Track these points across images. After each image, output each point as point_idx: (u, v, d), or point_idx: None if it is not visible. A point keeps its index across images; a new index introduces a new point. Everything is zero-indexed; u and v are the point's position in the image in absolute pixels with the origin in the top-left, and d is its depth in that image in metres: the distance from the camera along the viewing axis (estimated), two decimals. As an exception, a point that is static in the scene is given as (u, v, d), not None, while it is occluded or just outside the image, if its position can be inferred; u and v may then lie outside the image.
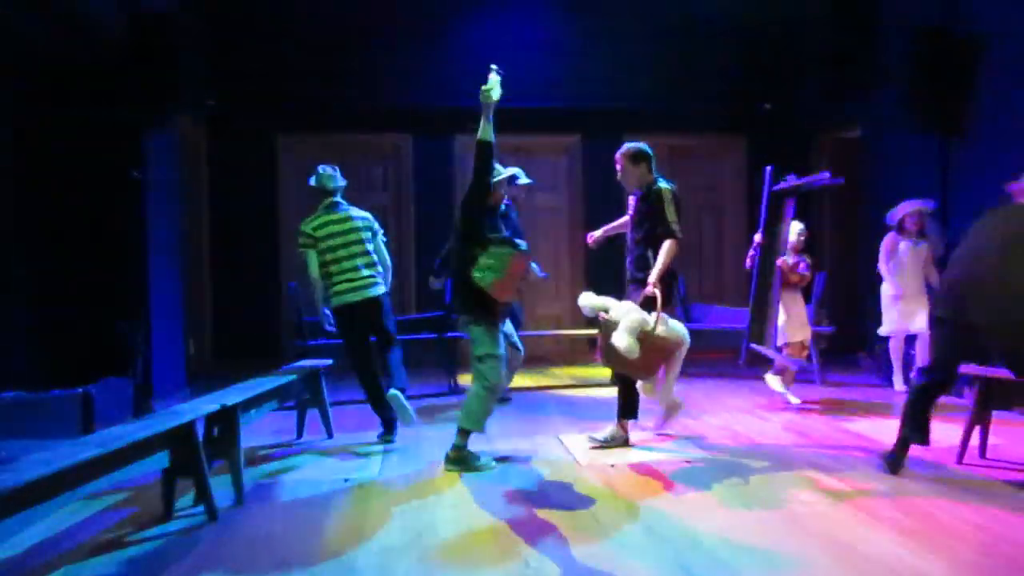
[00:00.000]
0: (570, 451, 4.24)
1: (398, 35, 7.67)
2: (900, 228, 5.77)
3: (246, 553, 2.82)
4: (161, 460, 3.07)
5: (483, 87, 3.79)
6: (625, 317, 3.86)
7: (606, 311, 4.01)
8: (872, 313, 7.27)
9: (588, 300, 4.12)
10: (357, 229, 4.57)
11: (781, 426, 4.80)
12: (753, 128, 8.28)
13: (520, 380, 6.80)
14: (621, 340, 3.77)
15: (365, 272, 4.53)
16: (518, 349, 5.28)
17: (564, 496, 3.44)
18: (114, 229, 5.55)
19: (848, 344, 7.13)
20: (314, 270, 4.51)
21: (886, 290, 5.88)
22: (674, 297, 4.19)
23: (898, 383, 5.97)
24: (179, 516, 3.22)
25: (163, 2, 5.81)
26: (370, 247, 4.60)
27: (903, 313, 5.75)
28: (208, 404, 3.38)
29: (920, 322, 5.60)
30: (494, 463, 3.95)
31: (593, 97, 7.99)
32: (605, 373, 6.70)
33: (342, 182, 4.67)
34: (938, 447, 4.19)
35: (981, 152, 5.81)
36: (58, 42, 5.22)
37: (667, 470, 3.84)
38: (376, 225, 4.72)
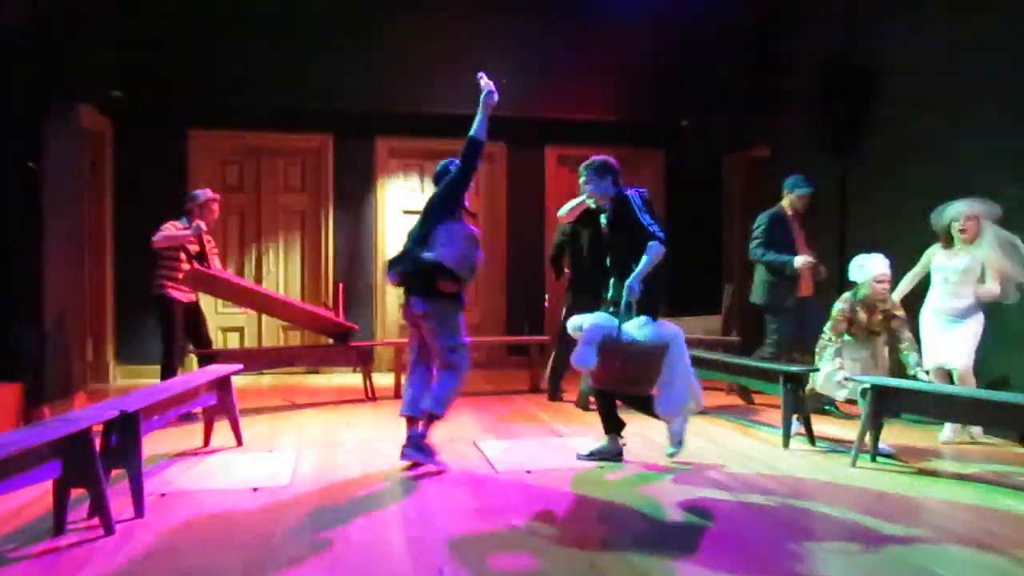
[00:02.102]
0: (487, 457, 4.25)
1: (321, 33, 7.52)
2: (947, 236, 4.74)
3: (146, 567, 2.68)
4: (53, 470, 2.89)
5: (489, 91, 4.03)
6: (587, 326, 3.83)
7: (581, 327, 3.95)
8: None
9: (571, 323, 4.10)
10: None
11: (692, 432, 4.95)
12: (670, 143, 8.58)
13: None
14: (575, 352, 3.74)
15: None
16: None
17: (480, 502, 3.44)
18: (6, 223, 5.19)
19: (753, 353, 7.43)
20: None
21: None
22: (656, 300, 4.01)
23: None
24: (72, 529, 3.04)
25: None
26: None
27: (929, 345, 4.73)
28: (107, 410, 3.21)
29: (953, 355, 4.62)
30: (445, 466, 3.92)
31: (516, 106, 8.06)
32: (521, 379, 6.80)
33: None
34: (832, 451, 4.44)
35: (876, 172, 6.23)
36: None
37: (582, 475, 3.90)
38: None
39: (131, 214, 7.12)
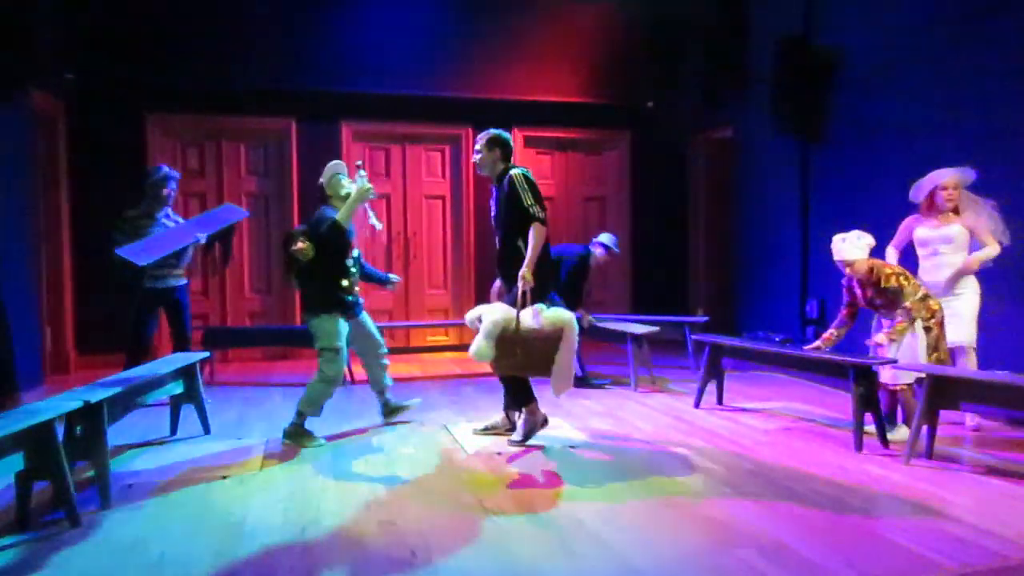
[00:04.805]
0: (457, 440, 4.28)
1: (281, 13, 7.36)
2: (929, 206, 4.41)
3: (113, 559, 2.66)
4: (15, 463, 2.84)
5: (366, 185, 4.17)
6: (486, 320, 3.87)
7: (479, 319, 3.98)
8: (742, 301, 7.78)
9: (469, 315, 4.17)
10: None
11: (662, 415, 5.04)
12: (636, 124, 8.62)
13: (407, 370, 6.78)
14: (473, 345, 3.84)
15: None
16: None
17: (450, 485, 3.47)
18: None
19: (720, 332, 7.57)
20: None
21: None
22: (549, 285, 4.13)
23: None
24: (36, 523, 2.99)
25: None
26: None
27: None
28: (70, 401, 3.15)
29: (956, 331, 4.22)
30: (323, 440, 4.19)
31: (483, 87, 8.04)
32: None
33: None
34: (819, 435, 4.55)
35: (835, 155, 6.35)
36: None
37: (551, 458, 3.95)
38: None
39: (88, 200, 6.95)
